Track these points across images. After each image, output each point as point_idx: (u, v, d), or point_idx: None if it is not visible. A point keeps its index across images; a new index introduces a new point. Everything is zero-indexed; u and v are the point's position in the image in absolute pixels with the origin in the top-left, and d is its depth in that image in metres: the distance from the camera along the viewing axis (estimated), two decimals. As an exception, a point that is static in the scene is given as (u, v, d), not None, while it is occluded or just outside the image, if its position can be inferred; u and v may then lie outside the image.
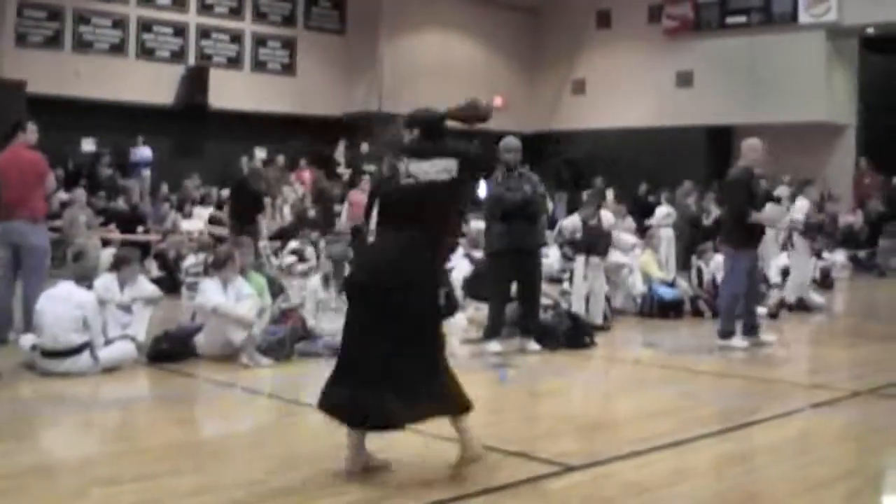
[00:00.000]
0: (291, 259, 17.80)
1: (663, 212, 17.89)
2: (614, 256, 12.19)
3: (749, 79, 23.87)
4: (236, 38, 23.61)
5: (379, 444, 5.89)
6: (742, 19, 24.60)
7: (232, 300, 8.64)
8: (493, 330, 9.63)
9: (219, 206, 19.17)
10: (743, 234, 9.95)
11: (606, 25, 27.25)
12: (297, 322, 9.27)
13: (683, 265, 15.30)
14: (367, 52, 24.98)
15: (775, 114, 23.04)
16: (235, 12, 23.62)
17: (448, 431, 5.95)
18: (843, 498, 5.16)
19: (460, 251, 13.81)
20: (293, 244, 18.45)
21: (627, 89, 26.10)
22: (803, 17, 23.47)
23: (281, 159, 22.85)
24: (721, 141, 24.30)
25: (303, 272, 16.37)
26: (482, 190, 9.65)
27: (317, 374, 8.36)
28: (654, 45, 25.98)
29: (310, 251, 17.99)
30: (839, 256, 19.64)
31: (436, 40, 26.19)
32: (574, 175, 24.94)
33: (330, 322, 9.21)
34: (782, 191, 19.35)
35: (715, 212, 18.25)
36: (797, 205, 13.84)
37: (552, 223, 13.24)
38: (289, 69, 24.47)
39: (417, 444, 5.87)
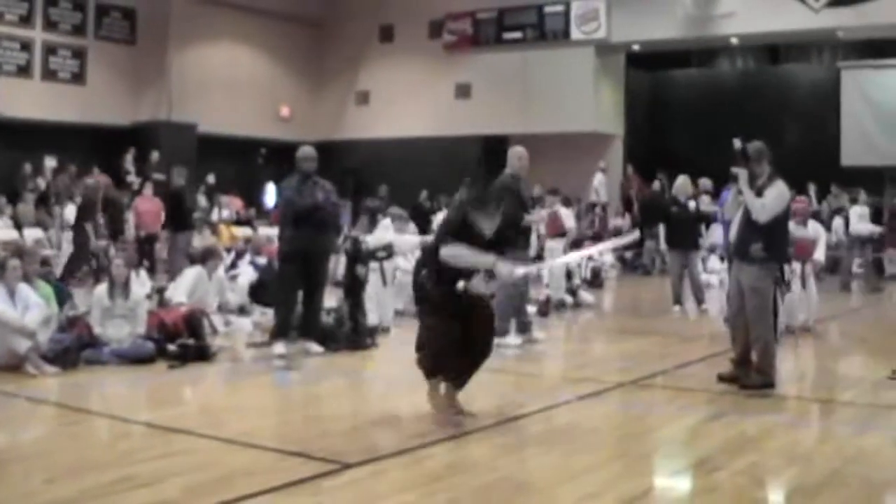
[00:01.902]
0: None
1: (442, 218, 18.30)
2: (397, 261, 12.52)
3: (523, 91, 24.78)
4: (26, 46, 22.77)
5: (164, 449, 5.96)
6: (518, 35, 25.39)
7: (20, 308, 8.53)
8: (281, 331, 9.77)
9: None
10: (515, 237, 10.37)
11: (389, 39, 27.64)
12: (84, 330, 9.19)
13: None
14: (156, 63, 24.55)
15: (548, 124, 24.02)
16: (25, 20, 22.76)
17: (224, 434, 6.09)
18: (605, 482, 5.48)
19: (246, 257, 13.91)
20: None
21: (409, 100, 26.65)
22: (575, 34, 24.47)
23: (73, 168, 22.23)
24: (497, 149, 24.93)
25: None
26: (275, 195, 9.84)
27: (103, 381, 8.35)
28: (434, 58, 26.53)
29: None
30: (608, 257, 20.64)
31: (224, 52, 26.02)
32: (357, 183, 25.19)
33: (116, 329, 9.23)
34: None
35: None
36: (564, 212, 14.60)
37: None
38: (79, 78, 23.74)
39: (199, 447, 6.00)
